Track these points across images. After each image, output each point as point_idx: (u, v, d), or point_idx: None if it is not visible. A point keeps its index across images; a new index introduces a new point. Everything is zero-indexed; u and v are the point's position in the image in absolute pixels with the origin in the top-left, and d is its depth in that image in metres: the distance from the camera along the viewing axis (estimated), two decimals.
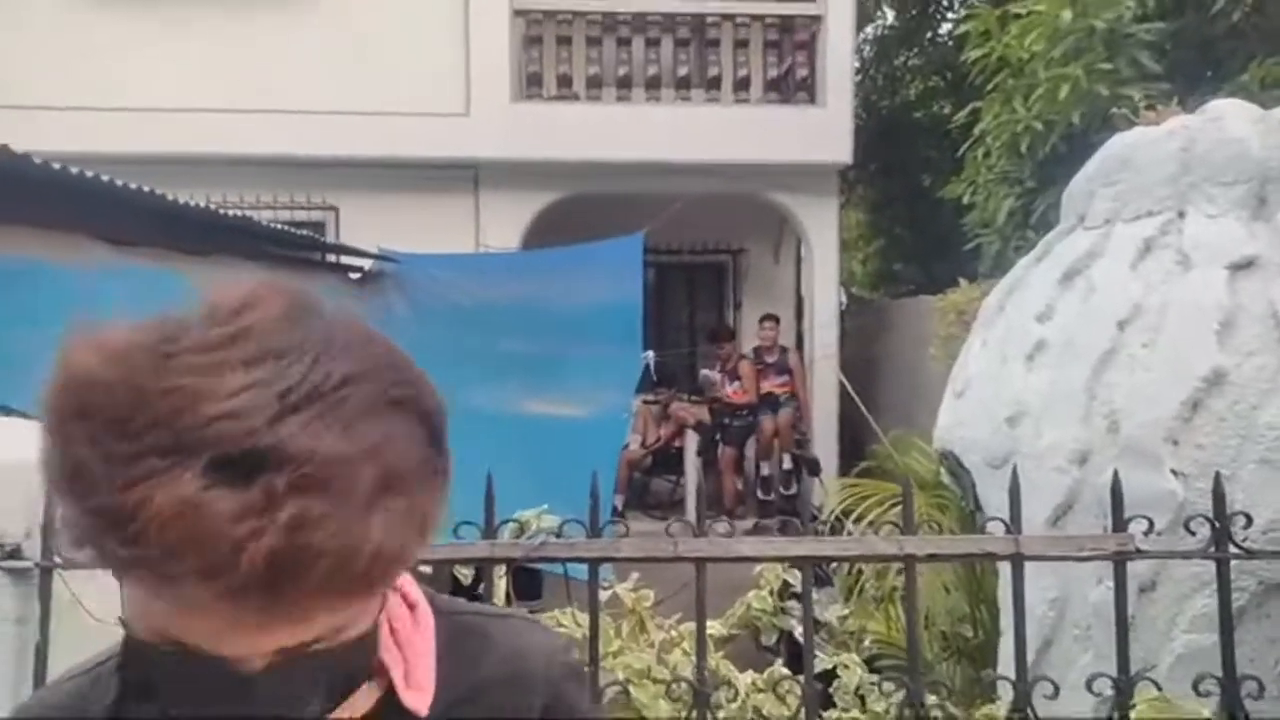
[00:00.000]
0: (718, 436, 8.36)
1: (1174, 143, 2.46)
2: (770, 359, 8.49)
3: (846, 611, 3.03)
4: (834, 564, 3.36)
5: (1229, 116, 2.44)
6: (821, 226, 8.59)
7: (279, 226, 5.88)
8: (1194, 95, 3.66)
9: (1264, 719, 1.93)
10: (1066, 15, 5.41)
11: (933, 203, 8.87)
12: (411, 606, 0.70)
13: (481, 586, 1.87)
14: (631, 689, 1.94)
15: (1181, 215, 2.41)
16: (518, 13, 7.88)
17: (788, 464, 8.34)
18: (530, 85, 7.96)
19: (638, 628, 2.14)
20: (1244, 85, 4.71)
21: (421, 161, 7.69)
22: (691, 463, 8.43)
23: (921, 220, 10.64)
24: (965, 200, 6.58)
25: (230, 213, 4.96)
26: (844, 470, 7.41)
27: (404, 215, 7.48)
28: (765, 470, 8.45)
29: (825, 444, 8.28)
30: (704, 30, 8.21)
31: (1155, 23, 5.42)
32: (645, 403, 8.73)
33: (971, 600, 3.01)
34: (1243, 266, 2.27)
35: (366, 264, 6.74)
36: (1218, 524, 1.91)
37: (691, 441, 8.39)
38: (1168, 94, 4.72)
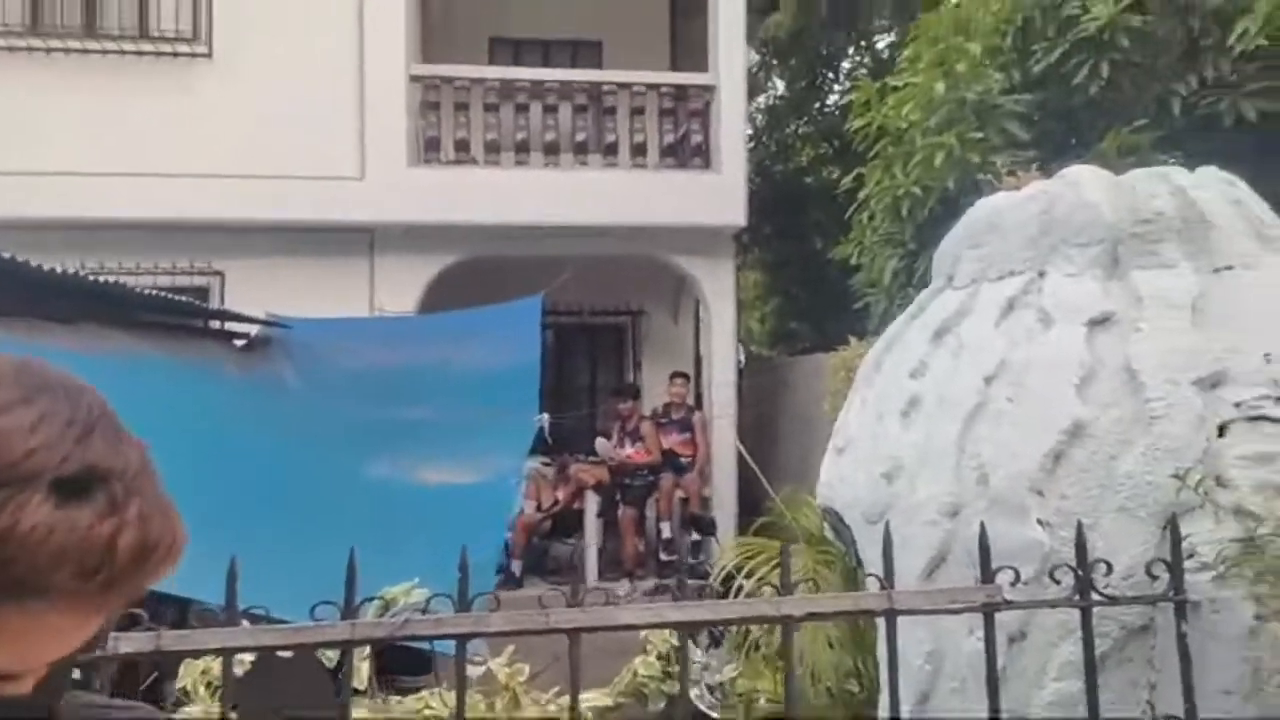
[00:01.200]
0: (618, 497, 8.30)
1: (1034, 206, 2.57)
2: (676, 416, 8.52)
3: (736, 673, 2.99)
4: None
5: (1084, 182, 2.57)
6: (718, 287, 8.74)
7: (156, 293, 5.65)
8: (1059, 161, 3.87)
9: None
10: (940, 87, 5.70)
11: (824, 264, 9.14)
12: None
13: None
14: None
15: (1042, 275, 2.51)
16: (414, 78, 7.88)
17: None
18: (428, 150, 7.93)
19: (512, 704, 2.06)
20: (1101, 152, 5.02)
21: (314, 225, 7.55)
22: (591, 525, 8.33)
23: (814, 280, 10.96)
24: (853, 261, 6.79)
25: (103, 279, 4.73)
26: (743, 528, 7.43)
27: (295, 280, 7.31)
28: (666, 532, 8.40)
29: (725, 503, 8.31)
30: (600, 98, 8.36)
31: (1022, 95, 5.75)
32: (543, 465, 8.63)
33: (855, 655, 3.02)
34: (1099, 322, 2.37)
35: (253, 330, 6.53)
36: (1080, 572, 1.96)
37: (591, 503, 8.30)
38: (1034, 160, 4.99)
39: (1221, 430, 2.19)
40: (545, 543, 8.55)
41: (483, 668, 2.02)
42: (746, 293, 12.90)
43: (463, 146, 7.96)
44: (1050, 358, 2.33)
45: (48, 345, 3.72)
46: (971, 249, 2.63)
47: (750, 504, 8.20)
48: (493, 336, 6.46)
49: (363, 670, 1.84)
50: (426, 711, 1.91)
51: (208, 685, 1.76)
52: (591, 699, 2.06)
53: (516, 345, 6.30)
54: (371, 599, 1.76)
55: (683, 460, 8.45)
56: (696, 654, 2.24)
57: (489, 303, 6.78)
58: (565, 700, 1.95)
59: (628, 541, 8.18)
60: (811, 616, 1.90)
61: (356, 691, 1.84)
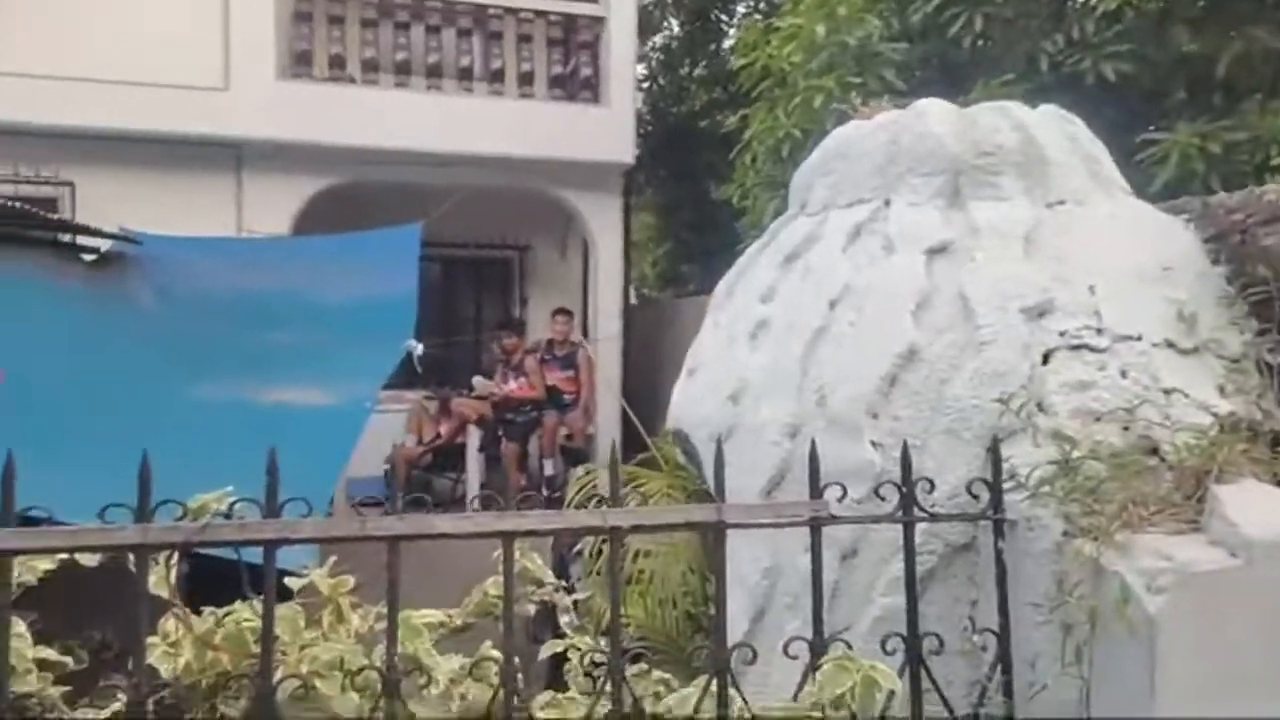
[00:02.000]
0: (500, 433, 8.23)
1: (882, 135, 2.59)
2: (560, 353, 8.46)
3: (589, 594, 3.00)
4: (577, 548, 3.34)
5: (930, 113, 2.60)
6: (606, 224, 8.66)
7: None
8: None
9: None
10: (821, 30, 5.71)
11: (714, 207, 9.17)
12: None
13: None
14: (318, 682, 1.80)
15: (888, 203, 2.54)
16: None
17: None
18: (298, 64, 7.53)
19: (336, 618, 2.00)
20: (971, 103, 5.14)
21: (175, 137, 7.10)
22: (473, 460, 8.26)
23: (705, 224, 10.99)
24: (736, 203, 6.82)
25: None
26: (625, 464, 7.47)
27: (155, 195, 6.87)
28: (549, 469, 8.39)
29: (608, 440, 8.33)
30: (486, 23, 8.09)
31: (900, 43, 5.82)
32: (425, 399, 8.47)
33: (704, 579, 3.06)
34: (938, 251, 2.41)
35: (104, 245, 6.12)
36: (904, 489, 2.01)
37: (474, 438, 8.21)
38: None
39: (1046, 358, 2.28)
40: (426, 476, 8.43)
41: (305, 579, 1.94)
42: (640, 234, 12.85)
43: (338, 63, 7.59)
44: (890, 284, 2.36)
45: None
46: (823, 176, 2.64)
47: (636, 442, 8.25)
48: (367, 263, 6.21)
49: (169, 577, 1.74)
50: (244, 623, 1.82)
51: None
52: (432, 616, 2.01)
53: (392, 273, 6.08)
54: (168, 502, 1.66)
55: (565, 397, 8.42)
56: (548, 574, 2.21)
57: (368, 229, 6.53)
58: (403, 615, 1.89)
59: (510, 477, 8.12)
60: (638, 529, 1.89)
61: (163, 603, 1.74)
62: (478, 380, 8.40)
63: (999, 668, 2.04)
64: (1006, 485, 2.12)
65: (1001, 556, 2.12)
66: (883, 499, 2.05)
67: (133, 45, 6.85)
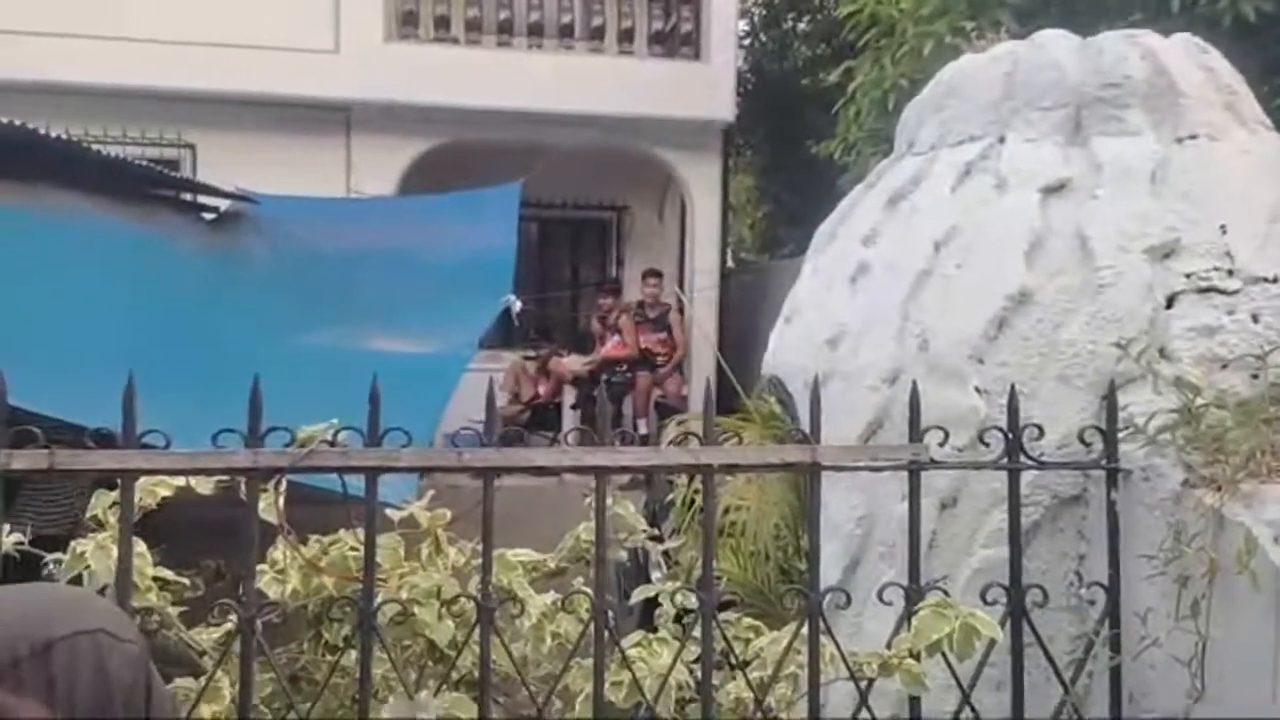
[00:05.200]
0: (595, 392, 8.30)
1: (998, 68, 2.46)
2: (652, 314, 8.46)
3: (681, 542, 2.99)
4: (670, 497, 3.34)
5: (1050, 43, 2.46)
6: (705, 184, 8.57)
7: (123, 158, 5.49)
8: None
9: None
10: None
11: (816, 168, 8.95)
12: None
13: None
14: (416, 609, 1.85)
15: (1002, 140, 2.41)
16: None
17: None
18: (405, 25, 7.65)
19: (434, 550, 2.04)
20: None
21: (289, 100, 7.33)
22: (569, 419, 8.36)
23: (806, 185, 10.74)
24: (837, 158, 6.64)
25: (56, 134, 4.57)
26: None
27: (270, 156, 7.12)
28: (643, 428, 8.43)
29: (700, 398, 8.31)
30: None
31: None
32: (524, 358, 8.61)
33: (797, 532, 3.02)
34: (1055, 189, 2.29)
35: (223, 204, 6.39)
36: (1010, 435, 1.92)
37: (569, 397, 8.31)
38: None
39: (1170, 301, 2.14)
40: (522, 435, 8.58)
41: (405, 512, 1.99)
42: (739, 197, 12.67)
43: (442, 24, 7.68)
44: (1001, 224, 2.25)
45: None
46: (933, 114, 2.52)
47: (731, 403, 8.18)
48: (468, 221, 6.33)
49: (271, 501, 1.81)
50: (347, 550, 1.88)
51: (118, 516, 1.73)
52: (525, 555, 2.03)
53: (492, 231, 6.19)
54: (275, 429, 1.71)
55: (659, 358, 8.42)
56: (640, 522, 2.21)
57: (470, 189, 6.63)
58: (496, 551, 1.92)
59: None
60: (730, 468, 1.87)
61: (270, 526, 1.81)
62: (572, 359, 8.50)
63: (1107, 622, 1.94)
64: (1122, 434, 2.01)
65: (1114, 507, 2.01)
66: (986, 446, 1.97)
67: (249, 10, 7.08)
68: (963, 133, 2.46)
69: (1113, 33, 2.43)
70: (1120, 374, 2.08)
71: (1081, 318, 2.13)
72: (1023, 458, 1.93)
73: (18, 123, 4.34)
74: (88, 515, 1.87)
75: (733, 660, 1.96)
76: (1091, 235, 2.17)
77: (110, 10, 6.86)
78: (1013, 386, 1.95)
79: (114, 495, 1.83)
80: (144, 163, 5.75)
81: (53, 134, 4.60)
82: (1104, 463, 2.02)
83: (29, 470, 1.62)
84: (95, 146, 5.87)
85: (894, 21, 5.85)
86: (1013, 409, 1.94)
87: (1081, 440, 2.00)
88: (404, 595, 1.85)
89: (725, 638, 1.92)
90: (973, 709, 1.81)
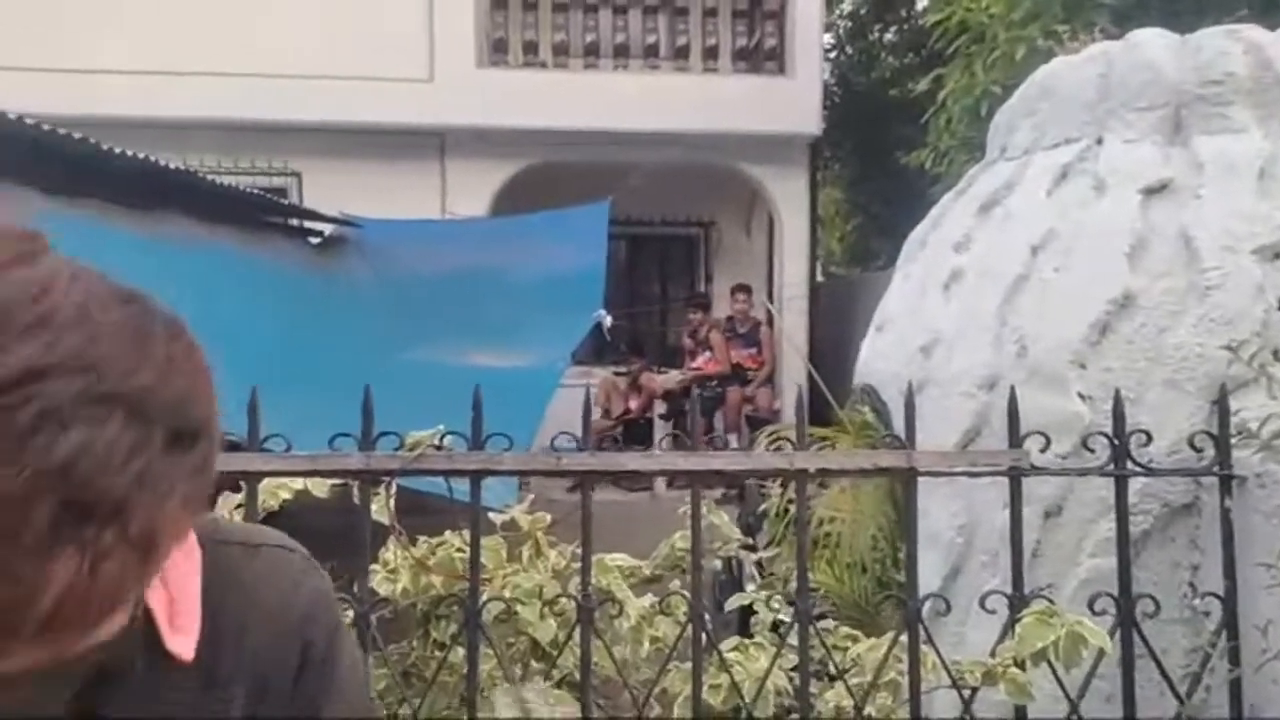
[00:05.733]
0: (686, 407, 8.33)
1: (1093, 69, 2.42)
2: (742, 329, 8.45)
3: (774, 553, 3.00)
4: (762, 508, 3.34)
5: (1147, 42, 2.41)
6: (792, 199, 8.55)
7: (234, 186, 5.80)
8: None
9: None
10: None
11: (905, 179, 8.84)
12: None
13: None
14: (519, 608, 1.91)
15: (1099, 141, 2.37)
16: None
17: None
18: (495, 51, 7.88)
19: (535, 552, 2.10)
20: None
21: (386, 128, 7.62)
22: (660, 434, 8.40)
23: (896, 196, 10.61)
24: (928, 167, 6.55)
25: (174, 166, 4.87)
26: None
27: (369, 182, 7.41)
28: (733, 443, 8.41)
29: (793, 415, 8.26)
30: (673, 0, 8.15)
31: None
32: (615, 374, 8.70)
33: (894, 544, 2.99)
34: (1156, 190, 2.24)
35: (327, 229, 6.68)
36: (1116, 441, 1.88)
37: (660, 412, 8.36)
38: None
39: None
40: (619, 443, 8.67)
41: (506, 516, 2.06)
42: (826, 210, 12.57)
43: (531, 49, 7.88)
44: (1101, 227, 2.21)
45: (117, 227, 3.86)
46: (1026, 117, 2.49)
47: (823, 416, 8.11)
48: (559, 239, 6.47)
49: (385, 506, 1.90)
50: (455, 552, 1.96)
51: (242, 516, 1.84)
52: (622, 560, 2.08)
53: (582, 248, 6.30)
54: (386, 434, 1.81)
55: (749, 374, 8.41)
56: (734, 531, 2.24)
57: (560, 208, 6.78)
58: (599, 555, 1.98)
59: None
60: (824, 473, 1.88)
61: (381, 527, 1.90)
62: (666, 375, 8.55)
63: (1224, 634, 1.88)
64: (1234, 439, 1.95)
65: (1229, 515, 1.95)
66: (1091, 452, 1.93)
67: (349, 45, 7.40)
68: (1058, 135, 2.42)
69: (1211, 29, 2.37)
70: (1231, 377, 2.01)
71: (1189, 320, 2.08)
72: (1130, 464, 1.89)
73: (141, 156, 4.64)
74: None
75: (831, 668, 1.96)
76: (1196, 236, 2.11)
77: (222, 48, 7.25)
78: (1117, 391, 1.91)
79: (238, 498, 1.95)
80: (255, 191, 6.06)
81: (172, 165, 4.90)
82: (1216, 469, 1.96)
83: None
84: (211, 176, 6.22)
85: (984, 27, 5.77)
86: (1118, 414, 1.90)
87: (1192, 446, 1.94)
88: (507, 594, 1.92)
89: (824, 644, 1.92)
90: None
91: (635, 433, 8.71)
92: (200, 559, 0.63)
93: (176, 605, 0.60)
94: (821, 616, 2.68)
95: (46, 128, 3.69)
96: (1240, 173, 2.14)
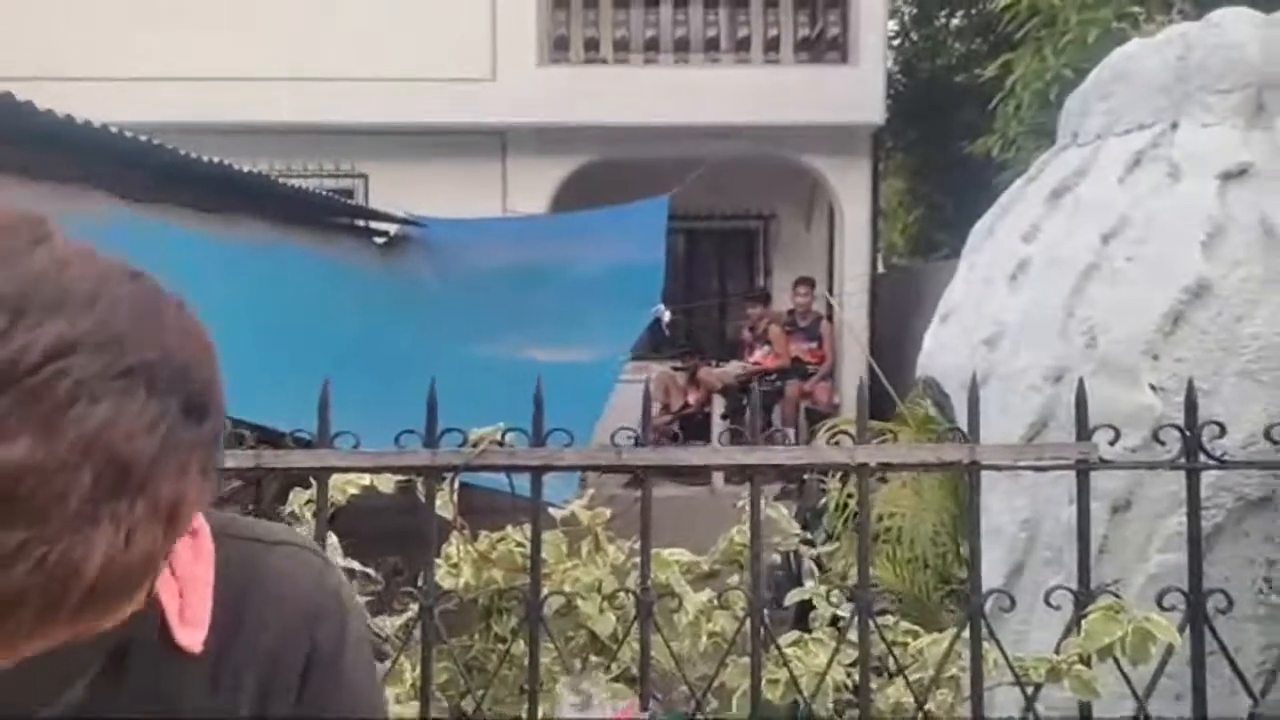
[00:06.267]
0: (744, 402, 8.30)
1: (1170, 51, 2.35)
2: (803, 323, 8.39)
3: (833, 548, 2.98)
4: (821, 504, 3.31)
5: (1228, 23, 2.32)
6: (853, 189, 8.44)
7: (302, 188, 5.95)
8: None
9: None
10: None
11: (971, 169, 8.66)
12: (194, 533, 0.62)
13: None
14: (579, 602, 1.93)
15: (1175, 126, 2.30)
16: None
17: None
18: (556, 49, 7.93)
19: (594, 547, 2.12)
20: None
21: (449, 128, 7.72)
22: (718, 429, 8.38)
23: (959, 187, 10.40)
24: (995, 154, 6.40)
25: (245, 169, 5.01)
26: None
27: (433, 181, 7.53)
28: (791, 438, 8.34)
29: (853, 409, 8.17)
30: None
31: None
32: (673, 369, 8.70)
33: (955, 538, 2.94)
34: (1235, 175, 2.16)
35: (393, 229, 6.81)
36: (1188, 433, 1.83)
37: (718, 406, 8.34)
38: None
39: None
40: (678, 438, 8.68)
41: (566, 511, 2.08)
42: (889, 201, 12.38)
43: (592, 45, 7.91)
44: (1176, 214, 2.15)
45: (184, 229, 3.98)
46: (1099, 102, 2.43)
47: (884, 409, 8.01)
48: (620, 236, 6.50)
49: (445, 498, 1.94)
50: (515, 547, 1.99)
51: (313, 511, 1.90)
52: (680, 555, 2.09)
53: (641, 244, 6.32)
54: (450, 430, 1.84)
55: (809, 367, 8.34)
56: (794, 525, 2.23)
57: (619, 204, 6.81)
58: (658, 550, 1.99)
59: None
60: (885, 466, 1.86)
61: (444, 522, 1.94)
62: (730, 366, 8.52)
63: None
64: None
65: None
66: (1162, 444, 1.87)
67: (413, 46, 7.52)
68: (1131, 120, 2.35)
69: None
70: None
71: (1267, 309, 2.00)
72: (1203, 457, 1.83)
73: (217, 160, 4.79)
74: (286, 511, 2.06)
75: (891, 663, 1.94)
76: (1277, 223, 2.03)
77: (288, 54, 7.43)
78: (1190, 381, 1.85)
79: (308, 494, 2.01)
80: (325, 193, 6.21)
81: (246, 169, 5.05)
82: None
83: (237, 469, 1.80)
84: (282, 179, 6.39)
85: (1056, 10, 5.62)
86: (1191, 405, 1.84)
87: (1269, 438, 1.87)
88: (567, 589, 1.94)
89: (884, 638, 1.91)
90: (1148, 719, 1.73)
91: (693, 427, 8.71)
92: (212, 552, 0.63)
93: (186, 598, 0.60)
94: (882, 612, 2.66)
95: (129, 135, 3.83)
96: None
